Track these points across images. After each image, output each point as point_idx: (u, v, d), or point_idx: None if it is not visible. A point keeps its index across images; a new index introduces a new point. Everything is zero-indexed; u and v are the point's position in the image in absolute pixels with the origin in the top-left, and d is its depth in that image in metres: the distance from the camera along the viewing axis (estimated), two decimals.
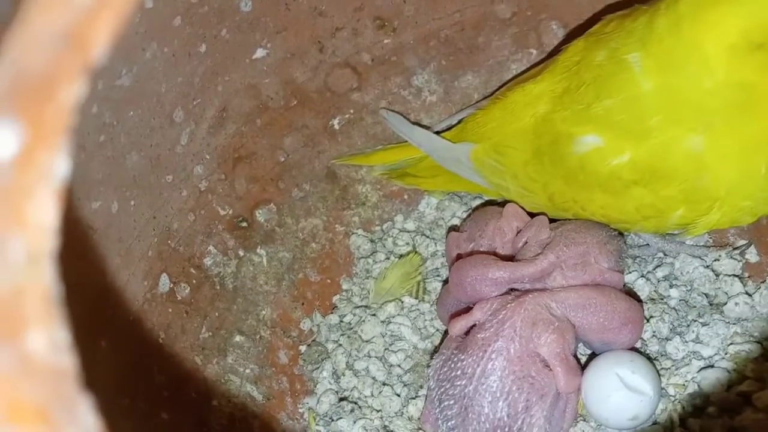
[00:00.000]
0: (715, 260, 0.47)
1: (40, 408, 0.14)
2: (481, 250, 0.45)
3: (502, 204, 0.48)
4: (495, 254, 0.45)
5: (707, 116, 0.37)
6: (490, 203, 0.52)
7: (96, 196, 0.40)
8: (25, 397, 0.14)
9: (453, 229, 0.51)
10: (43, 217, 0.14)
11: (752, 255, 0.48)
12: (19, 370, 0.14)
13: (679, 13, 0.36)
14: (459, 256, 0.46)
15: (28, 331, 0.14)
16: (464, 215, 0.53)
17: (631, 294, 0.45)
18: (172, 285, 0.45)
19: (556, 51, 0.49)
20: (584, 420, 0.43)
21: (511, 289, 0.43)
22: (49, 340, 0.15)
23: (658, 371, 0.43)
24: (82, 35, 0.12)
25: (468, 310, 0.43)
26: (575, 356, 0.43)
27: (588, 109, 0.41)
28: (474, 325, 0.42)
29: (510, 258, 0.45)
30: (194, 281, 0.47)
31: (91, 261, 0.39)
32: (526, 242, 0.45)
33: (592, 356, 0.44)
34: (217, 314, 0.47)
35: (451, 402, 0.40)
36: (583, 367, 0.43)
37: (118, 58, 0.39)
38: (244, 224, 0.50)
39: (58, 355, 0.15)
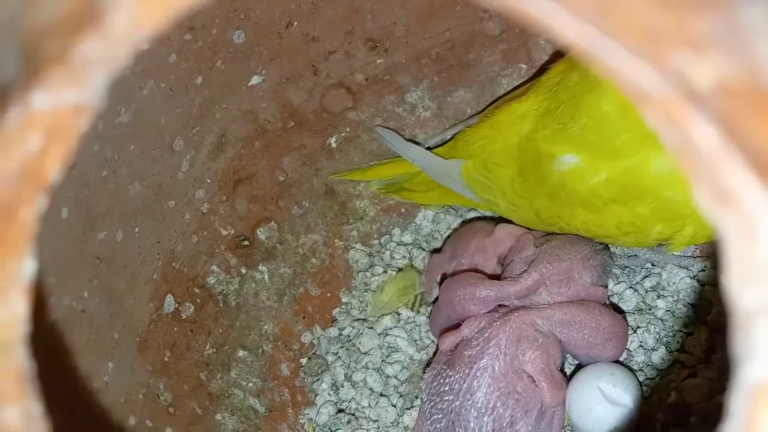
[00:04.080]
0: (700, 270, 0.48)
1: None
2: (464, 268, 0.47)
3: (488, 220, 0.50)
4: (480, 272, 0.47)
5: None
6: (472, 221, 0.53)
7: (101, 227, 0.42)
8: None
9: (435, 251, 0.53)
10: (15, 311, 0.16)
11: None
12: None
13: None
14: (444, 276, 0.48)
15: (3, 408, 0.17)
16: (459, 227, 0.54)
17: (614, 308, 0.47)
18: (177, 305, 0.48)
19: (545, 67, 0.51)
20: (571, 431, 0.45)
21: (500, 305, 0.45)
22: (22, 413, 0.17)
23: (641, 382, 0.45)
24: (37, 168, 0.14)
25: (458, 326, 0.45)
26: (562, 370, 0.45)
27: (565, 129, 0.42)
28: (463, 341, 0.44)
29: (497, 276, 0.46)
30: (198, 300, 0.49)
31: (97, 289, 0.41)
32: (513, 260, 0.46)
33: (579, 367, 0.46)
34: (220, 331, 0.50)
35: (440, 416, 0.42)
36: (569, 379, 0.45)
37: (117, 99, 0.41)
38: (246, 243, 0.52)
39: (31, 425, 0.17)
